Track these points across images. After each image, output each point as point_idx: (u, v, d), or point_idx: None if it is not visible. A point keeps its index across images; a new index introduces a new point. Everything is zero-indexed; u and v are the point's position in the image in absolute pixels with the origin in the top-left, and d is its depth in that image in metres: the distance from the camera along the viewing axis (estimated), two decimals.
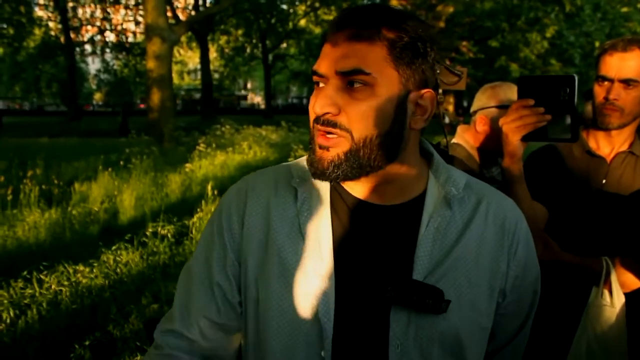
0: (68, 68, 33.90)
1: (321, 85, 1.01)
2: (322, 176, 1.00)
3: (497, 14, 18.07)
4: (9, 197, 6.90)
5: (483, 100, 2.26)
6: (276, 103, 42.93)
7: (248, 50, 36.81)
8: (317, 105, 0.99)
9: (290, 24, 34.22)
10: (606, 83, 1.87)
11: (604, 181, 1.93)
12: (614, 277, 1.79)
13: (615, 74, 1.85)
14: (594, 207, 1.92)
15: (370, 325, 1.02)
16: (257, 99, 56.72)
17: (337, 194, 1.08)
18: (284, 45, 39.01)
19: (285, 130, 17.84)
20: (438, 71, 1.32)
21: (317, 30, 33.79)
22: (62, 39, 34.21)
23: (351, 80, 0.97)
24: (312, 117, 1.02)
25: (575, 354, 1.82)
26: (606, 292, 1.80)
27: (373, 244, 1.05)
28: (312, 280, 1.02)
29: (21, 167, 8.93)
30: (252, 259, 1.08)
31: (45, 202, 7.27)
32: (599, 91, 1.90)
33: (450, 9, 18.53)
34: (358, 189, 1.07)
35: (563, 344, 1.85)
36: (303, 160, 1.12)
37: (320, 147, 1.00)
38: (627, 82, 1.84)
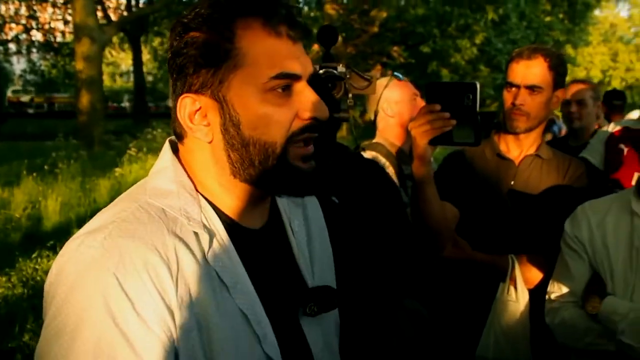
0: None
1: (299, 87, 0.92)
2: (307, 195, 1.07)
3: (429, 20, 18.53)
4: None
5: None
6: None
7: None
8: (323, 110, 0.94)
9: None
10: (513, 89, 1.97)
11: (512, 182, 2.03)
12: (518, 274, 1.89)
13: (521, 80, 1.94)
14: (502, 207, 2.01)
15: (297, 347, 0.99)
16: None
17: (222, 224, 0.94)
18: None
19: None
20: (348, 76, 1.35)
21: None
22: None
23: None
24: (297, 125, 0.92)
25: (483, 345, 1.90)
26: (512, 288, 1.89)
27: (267, 270, 0.98)
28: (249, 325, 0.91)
29: None
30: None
31: None
32: (507, 97, 1.99)
33: (384, 14, 18.86)
34: (239, 212, 0.97)
35: (472, 337, 1.92)
36: (172, 196, 0.91)
37: (306, 160, 0.95)
38: (532, 88, 1.94)
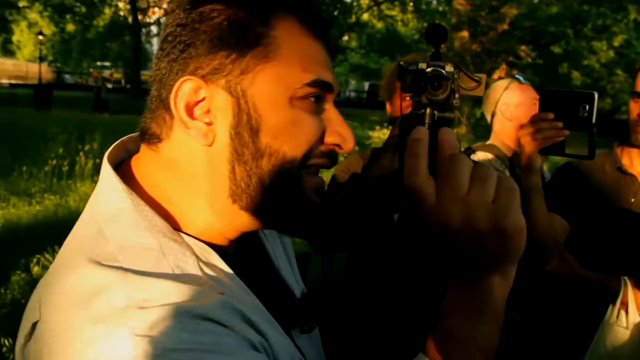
0: (134, 48, 34.86)
1: (328, 104, 0.76)
2: None
3: (562, 19, 17.53)
4: (65, 169, 7.21)
5: None
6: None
7: None
8: (351, 139, 0.76)
9: (353, 17, 34.18)
10: None
11: (632, 200, 1.90)
12: (631, 298, 1.77)
13: None
14: (620, 225, 1.89)
15: None
16: None
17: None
18: (346, 38, 39.01)
19: None
20: (456, 76, 1.32)
21: (380, 24, 33.62)
22: (129, 20, 35.24)
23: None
24: (320, 148, 0.74)
25: None
26: (622, 313, 1.78)
27: (260, 291, 0.80)
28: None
29: (79, 140, 9.28)
30: None
31: (98, 175, 7.56)
32: (634, 108, 1.87)
33: (514, 12, 18.09)
34: (219, 237, 0.77)
35: (573, 358, 1.84)
36: (153, 257, 0.67)
37: (320, 194, 0.77)
38: None
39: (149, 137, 0.74)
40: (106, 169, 0.74)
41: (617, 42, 17.61)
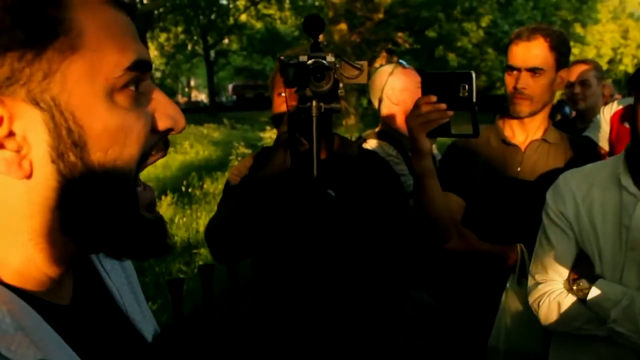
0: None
1: (147, 85, 0.64)
2: None
3: (433, 4, 18.35)
4: None
5: None
6: (220, 100, 42.51)
7: (189, 47, 36.20)
8: (181, 116, 0.67)
9: (231, 19, 33.86)
10: (514, 72, 1.92)
11: (519, 169, 1.98)
12: (528, 263, 1.84)
13: (522, 63, 1.89)
14: (509, 195, 1.96)
15: None
16: (202, 96, 56.03)
17: None
18: (226, 41, 38.58)
19: (227, 127, 17.67)
20: (338, 65, 1.28)
21: (259, 25, 33.53)
22: None
23: None
24: (152, 140, 0.63)
25: (495, 335, 1.87)
26: (522, 279, 1.85)
27: (103, 343, 0.69)
28: None
29: None
30: None
31: None
32: (509, 80, 1.94)
33: (388, 0, 18.71)
34: (48, 283, 0.64)
35: (483, 328, 1.89)
36: None
37: (151, 208, 0.68)
38: (533, 71, 1.88)
39: None
40: None
41: (484, 22, 18.66)
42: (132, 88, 0.59)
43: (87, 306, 0.68)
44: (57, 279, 0.62)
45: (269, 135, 12.38)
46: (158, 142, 0.63)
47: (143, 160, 0.61)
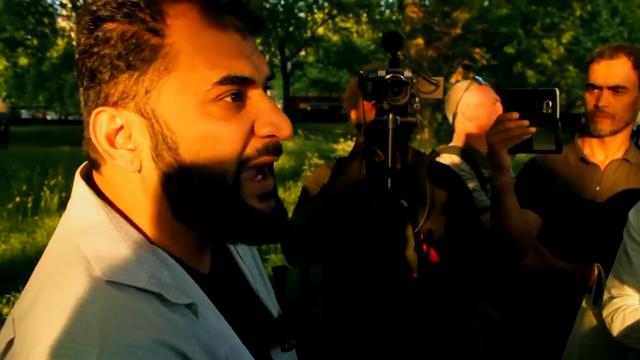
0: None
1: (254, 96, 0.71)
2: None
3: (513, 20, 17.98)
4: (29, 205, 7.04)
5: None
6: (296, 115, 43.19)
7: (267, 58, 36.96)
8: (286, 124, 0.72)
9: (309, 32, 34.38)
10: (596, 91, 1.90)
11: (597, 188, 1.96)
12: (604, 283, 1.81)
13: (604, 81, 1.87)
14: (587, 214, 1.94)
15: None
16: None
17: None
18: (303, 53, 39.16)
19: (302, 138, 17.92)
20: (415, 80, 1.33)
21: (335, 37, 33.88)
22: None
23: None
24: (254, 146, 0.70)
25: (567, 356, 1.84)
26: (598, 298, 1.81)
27: (237, 312, 0.79)
28: None
29: (43, 175, 9.08)
30: None
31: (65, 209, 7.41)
32: (590, 99, 1.93)
33: (466, 16, 18.47)
34: (189, 256, 0.75)
35: (554, 347, 1.87)
36: (134, 267, 0.66)
37: (265, 198, 0.73)
38: (615, 89, 1.86)
39: (92, 163, 0.73)
40: (79, 184, 0.73)
41: (565, 38, 18.11)
42: (228, 99, 0.68)
43: (223, 278, 0.81)
44: (197, 254, 0.76)
45: (342, 147, 12.49)
46: (263, 147, 0.71)
47: (245, 161, 0.70)
